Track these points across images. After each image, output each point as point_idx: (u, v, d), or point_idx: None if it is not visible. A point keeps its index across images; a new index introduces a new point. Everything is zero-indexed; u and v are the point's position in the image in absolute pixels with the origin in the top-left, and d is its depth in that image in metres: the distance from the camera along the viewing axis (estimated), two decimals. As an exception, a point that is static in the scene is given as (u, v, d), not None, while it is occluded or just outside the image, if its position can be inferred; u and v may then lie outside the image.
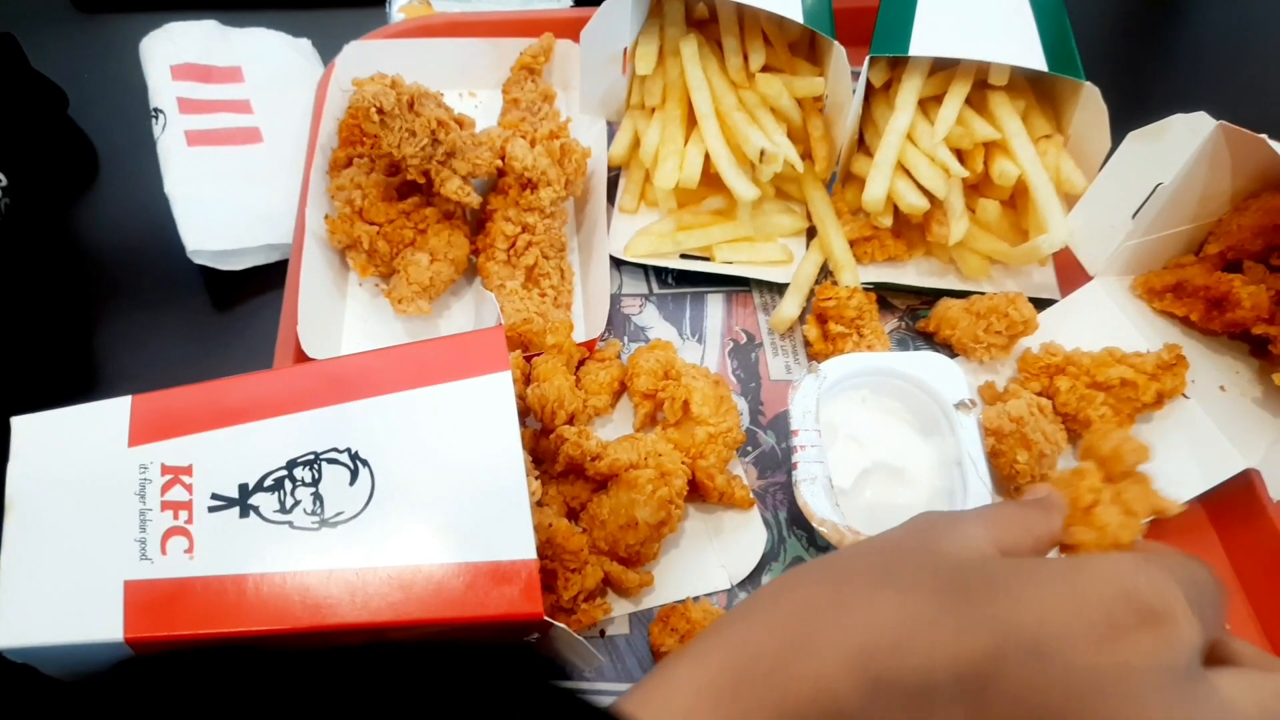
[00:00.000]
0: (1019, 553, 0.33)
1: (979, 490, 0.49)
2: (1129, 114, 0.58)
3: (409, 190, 0.61)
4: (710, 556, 0.51)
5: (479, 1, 0.80)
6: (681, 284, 0.64)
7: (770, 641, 0.29)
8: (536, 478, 0.47)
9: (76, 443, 0.39)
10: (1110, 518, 0.37)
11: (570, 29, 0.75)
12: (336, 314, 0.59)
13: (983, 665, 0.27)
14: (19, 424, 0.39)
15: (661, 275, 0.64)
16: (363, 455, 0.40)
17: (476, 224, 0.62)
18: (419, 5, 0.80)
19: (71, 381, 0.43)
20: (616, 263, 0.63)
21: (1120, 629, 0.27)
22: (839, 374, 0.52)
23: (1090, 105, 0.60)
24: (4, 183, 0.35)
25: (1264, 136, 0.50)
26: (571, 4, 0.79)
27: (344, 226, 0.59)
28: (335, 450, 0.40)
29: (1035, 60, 0.60)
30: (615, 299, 0.62)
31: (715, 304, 0.63)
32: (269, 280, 0.63)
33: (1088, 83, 0.59)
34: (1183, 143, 0.53)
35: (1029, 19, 0.62)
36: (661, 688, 0.29)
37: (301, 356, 0.54)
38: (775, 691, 0.28)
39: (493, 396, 0.42)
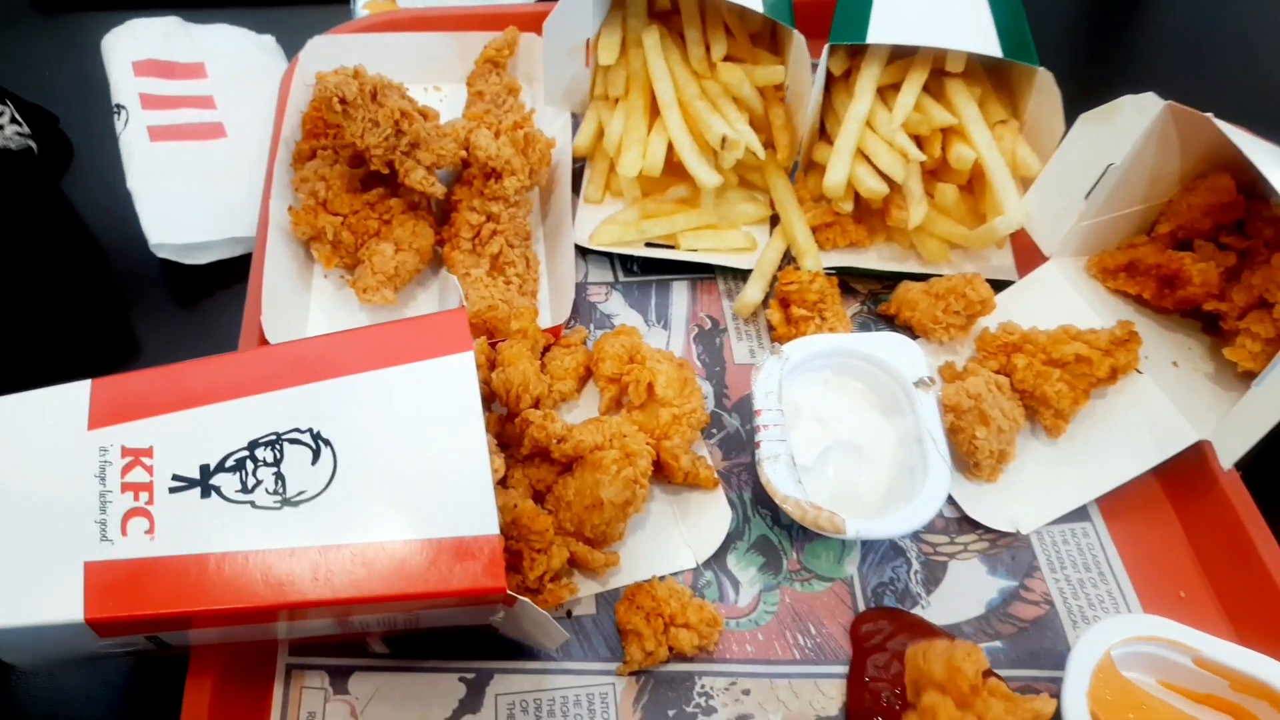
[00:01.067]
0: None
1: (939, 466, 0.49)
2: (1083, 99, 0.59)
3: (373, 181, 0.61)
4: (676, 536, 0.52)
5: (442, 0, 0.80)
6: (647, 272, 0.64)
7: None
8: (500, 457, 0.47)
9: (36, 426, 0.39)
10: None
11: (534, 23, 0.75)
12: (301, 305, 0.59)
13: None
14: (-25, 405, 0.39)
15: (627, 263, 0.65)
16: (325, 435, 0.40)
17: (441, 214, 0.63)
18: (383, 1, 0.81)
19: (33, 374, 0.43)
20: (582, 252, 0.64)
21: None
22: (801, 355, 0.53)
23: (1045, 90, 0.61)
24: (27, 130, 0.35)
25: (1210, 115, 0.52)
26: (536, -1, 0.80)
27: (308, 218, 0.59)
28: (297, 430, 0.40)
29: (991, 47, 0.61)
30: (581, 287, 0.63)
31: (680, 291, 0.64)
32: (233, 274, 0.63)
33: (1041, 68, 0.60)
34: (1132, 123, 0.54)
35: (984, 7, 0.63)
36: None
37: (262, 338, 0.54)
38: None
39: (455, 376, 0.43)
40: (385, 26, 0.74)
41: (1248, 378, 0.53)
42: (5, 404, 0.40)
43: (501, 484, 0.48)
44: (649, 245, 0.64)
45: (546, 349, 0.57)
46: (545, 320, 0.58)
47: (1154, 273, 0.57)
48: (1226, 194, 0.56)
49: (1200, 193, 0.57)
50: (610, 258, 0.65)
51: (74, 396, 0.40)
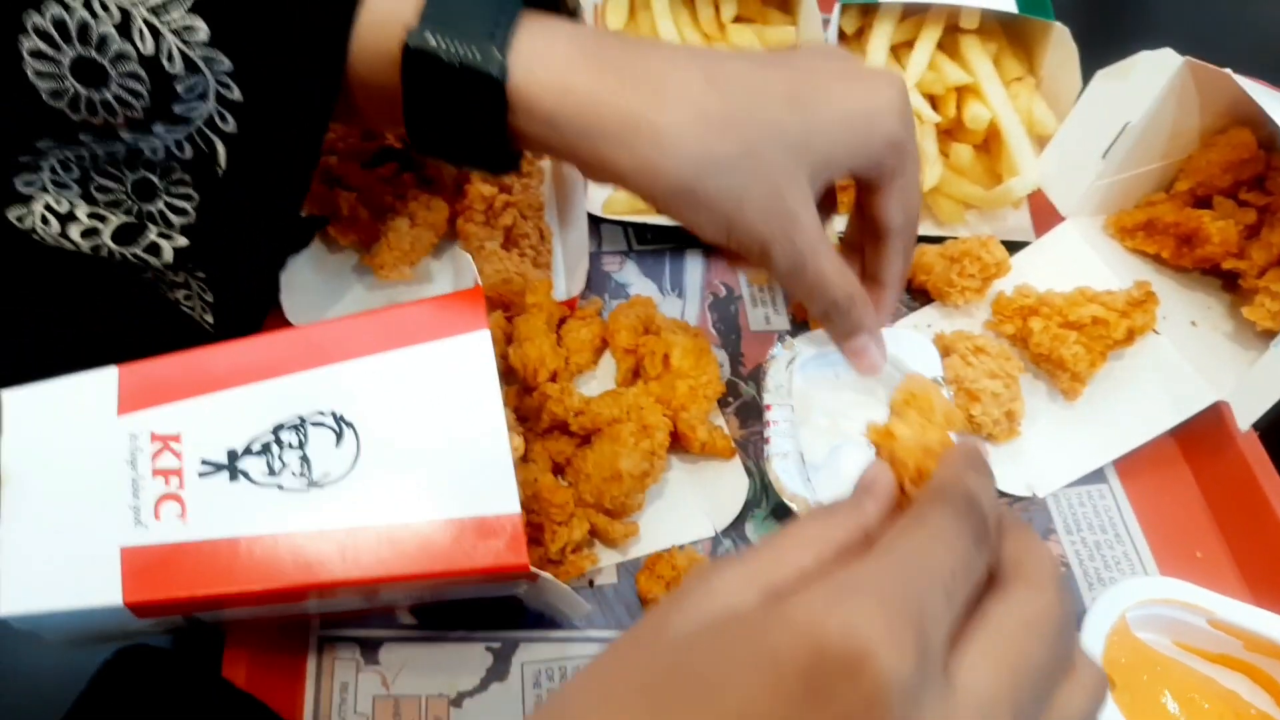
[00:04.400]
0: (810, 572, 0.27)
1: None
2: (1100, 53, 0.58)
3: (386, 156, 0.61)
4: (694, 505, 0.53)
5: None
6: (660, 240, 0.64)
7: None
8: (519, 434, 0.48)
9: (67, 413, 0.40)
10: (905, 430, 0.34)
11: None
12: (316, 282, 0.60)
13: None
14: (9, 397, 0.40)
15: (640, 232, 0.65)
16: (347, 417, 0.41)
17: (454, 186, 0.63)
18: None
19: (58, 355, 0.45)
20: (595, 221, 0.63)
21: (821, 696, 0.23)
22: (812, 350, 0.52)
23: (1060, 46, 0.60)
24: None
25: (1229, 71, 0.51)
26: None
27: (322, 194, 0.60)
28: (320, 413, 0.41)
29: (1005, 2, 0.60)
30: (595, 257, 0.63)
31: (694, 259, 0.64)
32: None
33: (1057, 23, 0.59)
34: (1150, 80, 0.54)
35: (998, -39, 0.62)
36: None
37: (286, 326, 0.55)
38: None
39: (472, 355, 0.43)
40: None
41: (1268, 337, 0.53)
42: (36, 391, 0.40)
43: (522, 459, 0.49)
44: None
45: (562, 321, 0.57)
46: (560, 292, 0.58)
47: (1172, 231, 0.57)
48: (1246, 150, 0.56)
49: (1219, 149, 0.56)
50: (624, 226, 0.65)
51: (102, 382, 0.41)
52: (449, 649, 0.48)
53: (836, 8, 0.62)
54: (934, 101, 0.61)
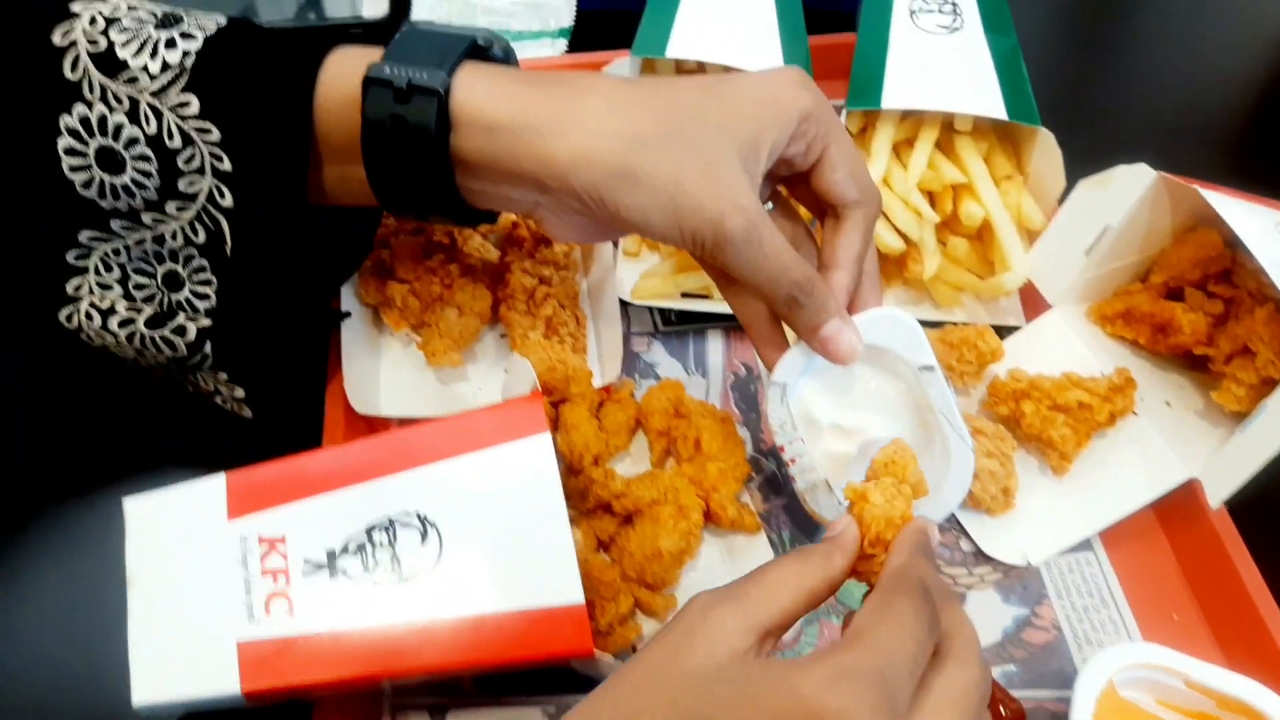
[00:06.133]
0: (788, 620, 0.36)
1: (961, 450, 0.51)
2: (1080, 155, 0.65)
3: (434, 249, 0.67)
4: (724, 577, 0.58)
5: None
6: (684, 321, 0.70)
7: None
8: (578, 529, 0.53)
9: (183, 518, 0.45)
10: (877, 498, 0.41)
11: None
12: (374, 366, 0.65)
13: None
14: (130, 505, 0.45)
15: (665, 313, 0.70)
16: (430, 517, 0.46)
17: (496, 274, 0.68)
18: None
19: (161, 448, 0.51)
20: (624, 305, 0.69)
21: None
22: (794, 373, 0.51)
23: (1046, 148, 0.66)
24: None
25: (1196, 186, 0.57)
26: (565, 50, 0.85)
27: (376, 284, 0.65)
28: (406, 513, 0.46)
29: (997, 110, 0.66)
30: (625, 338, 0.69)
31: (715, 339, 0.69)
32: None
33: (1043, 129, 0.65)
34: (1127, 190, 0.60)
35: (990, 71, 0.68)
36: None
37: (348, 405, 0.60)
38: None
39: (535, 458, 0.49)
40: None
41: (1236, 417, 0.59)
42: (154, 498, 0.46)
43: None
44: (685, 296, 0.70)
45: (600, 403, 0.63)
46: (597, 378, 0.64)
47: (1148, 320, 0.63)
48: (1213, 248, 0.62)
49: (1189, 246, 0.63)
50: (650, 310, 0.70)
51: (213, 489, 0.46)
52: (509, 713, 0.53)
53: (843, 113, 0.68)
54: (932, 198, 0.67)
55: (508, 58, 0.50)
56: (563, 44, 0.85)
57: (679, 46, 0.67)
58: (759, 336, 0.51)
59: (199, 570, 0.44)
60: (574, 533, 0.48)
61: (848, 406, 0.53)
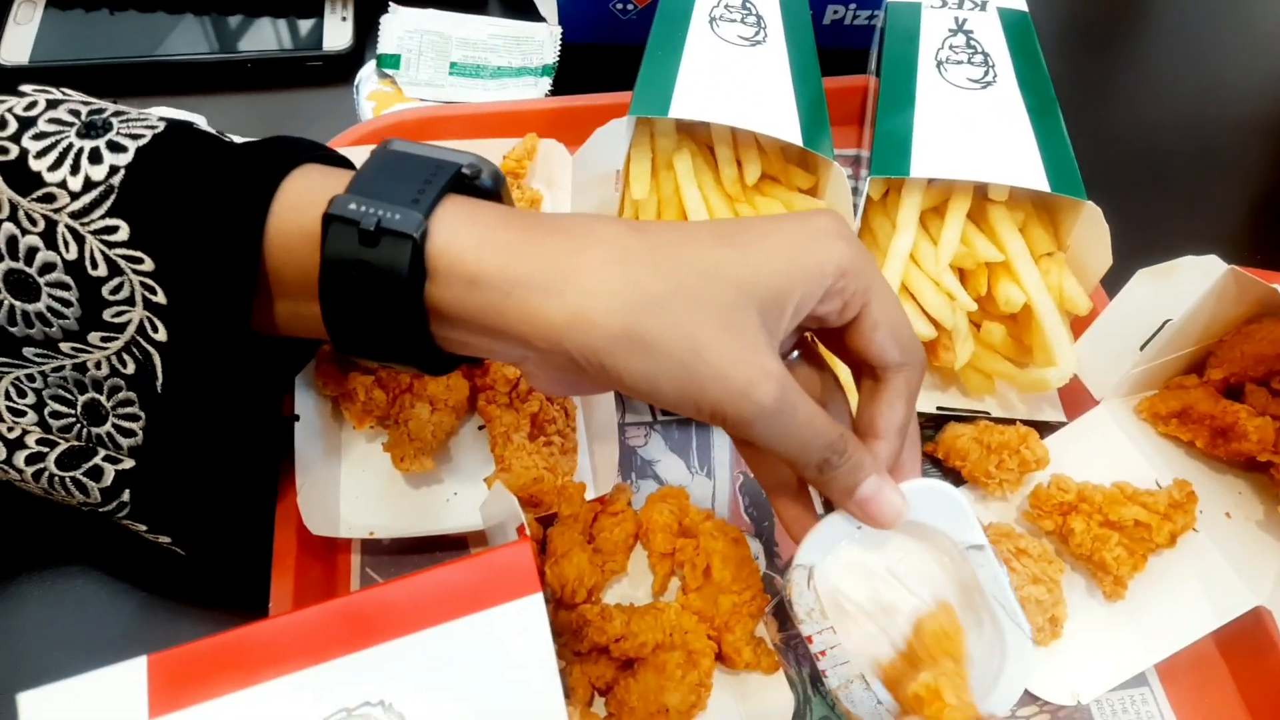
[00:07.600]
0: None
1: (1018, 639, 0.45)
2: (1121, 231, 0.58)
3: (401, 333, 0.58)
4: (738, 725, 0.51)
5: (449, 88, 0.76)
6: (684, 410, 0.62)
7: None
8: (575, 709, 0.46)
9: (92, 717, 0.37)
10: (953, 696, 0.36)
11: (550, 121, 0.72)
12: (332, 473, 0.57)
13: None
14: (26, 700, 0.37)
15: (663, 400, 0.63)
16: (397, 707, 0.39)
17: (474, 361, 0.60)
18: (389, 91, 0.77)
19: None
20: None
21: None
22: (821, 551, 0.45)
23: (1092, 223, 0.59)
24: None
25: (1277, 286, 0.50)
26: (549, 90, 0.76)
27: (335, 375, 0.57)
28: (368, 704, 0.38)
29: (1037, 180, 0.59)
30: (619, 429, 0.61)
31: (721, 431, 0.62)
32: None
33: (1089, 203, 0.58)
34: (1193, 283, 0.53)
35: (1028, 135, 0.61)
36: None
37: (301, 526, 0.52)
38: None
39: (525, 623, 0.41)
40: (394, 134, 0.70)
41: (1304, 534, 0.53)
42: (57, 692, 0.37)
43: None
44: (686, 381, 0.62)
45: (594, 516, 0.55)
46: (590, 489, 0.56)
47: (1207, 423, 0.57)
48: (1280, 344, 0.56)
49: (1254, 341, 0.56)
50: (647, 396, 0.62)
51: (130, 678, 0.38)
52: None
53: (866, 181, 0.60)
54: (964, 275, 0.60)
55: (496, 186, 0.42)
56: (546, 83, 0.77)
57: (684, 105, 0.59)
58: (784, 506, 0.45)
59: (112, 788, 0.36)
60: (571, 711, 0.40)
61: (881, 591, 0.46)
